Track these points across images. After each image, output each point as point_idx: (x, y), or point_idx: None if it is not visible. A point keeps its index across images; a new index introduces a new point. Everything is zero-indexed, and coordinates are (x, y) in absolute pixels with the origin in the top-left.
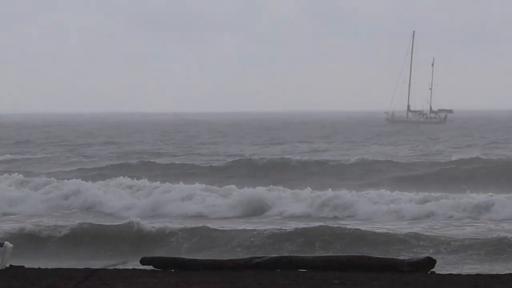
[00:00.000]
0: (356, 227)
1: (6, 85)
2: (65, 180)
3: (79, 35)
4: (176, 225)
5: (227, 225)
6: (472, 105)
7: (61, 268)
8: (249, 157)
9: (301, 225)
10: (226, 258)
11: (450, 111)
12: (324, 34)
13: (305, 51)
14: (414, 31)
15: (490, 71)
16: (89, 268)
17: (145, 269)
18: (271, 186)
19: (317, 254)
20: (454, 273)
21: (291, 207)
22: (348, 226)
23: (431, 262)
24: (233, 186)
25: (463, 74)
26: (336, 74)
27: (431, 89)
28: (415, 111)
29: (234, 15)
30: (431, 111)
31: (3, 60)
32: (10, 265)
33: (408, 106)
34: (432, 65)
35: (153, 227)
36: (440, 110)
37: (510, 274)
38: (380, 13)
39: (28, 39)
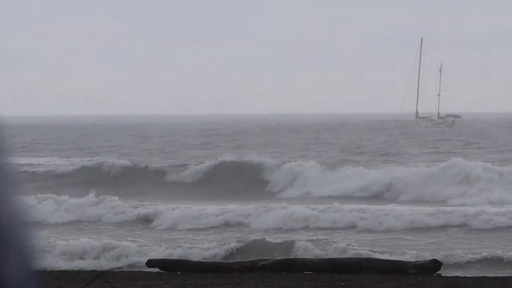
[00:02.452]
0: None
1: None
2: None
3: (83, 36)
4: None
5: None
6: (484, 108)
7: (67, 270)
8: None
9: None
10: (232, 261)
11: (458, 117)
12: (332, 36)
13: (313, 53)
14: (422, 38)
15: (500, 74)
16: (95, 270)
17: (151, 271)
18: None
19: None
20: (460, 275)
21: None
22: None
23: (437, 264)
24: None
25: (473, 78)
26: (345, 77)
27: (439, 95)
28: (423, 117)
29: (241, 15)
30: (438, 116)
31: (10, 62)
32: None
33: (417, 113)
34: (440, 71)
35: None
36: (448, 115)
37: None
38: (392, 16)
39: (31, 41)
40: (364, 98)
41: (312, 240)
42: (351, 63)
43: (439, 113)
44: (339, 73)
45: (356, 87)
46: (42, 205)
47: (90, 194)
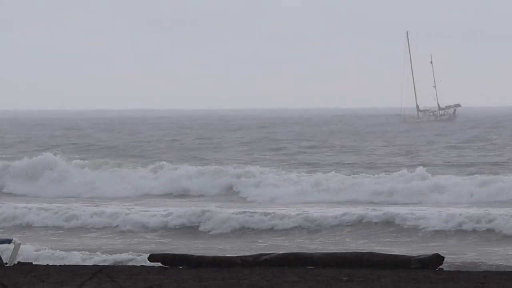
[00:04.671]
0: None
1: (15, 83)
2: None
3: (86, 34)
4: None
5: None
6: (479, 102)
7: (69, 265)
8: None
9: None
10: (234, 255)
11: (458, 105)
12: (331, 32)
13: (312, 48)
14: (407, 32)
15: (495, 67)
16: (97, 265)
17: (153, 266)
18: None
19: (325, 251)
20: (462, 270)
21: None
22: None
23: (439, 259)
24: None
25: (468, 71)
26: (343, 71)
27: (435, 86)
28: (424, 110)
29: (241, 13)
30: (439, 108)
31: (12, 58)
32: (19, 262)
33: (417, 106)
34: (431, 62)
35: None
36: (448, 106)
37: None
38: (390, 10)
39: (35, 38)
40: (363, 92)
41: None
42: (347, 58)
43: (439, 104)
44: (335, 67)
45: (354, 81)
46: None
47: None
